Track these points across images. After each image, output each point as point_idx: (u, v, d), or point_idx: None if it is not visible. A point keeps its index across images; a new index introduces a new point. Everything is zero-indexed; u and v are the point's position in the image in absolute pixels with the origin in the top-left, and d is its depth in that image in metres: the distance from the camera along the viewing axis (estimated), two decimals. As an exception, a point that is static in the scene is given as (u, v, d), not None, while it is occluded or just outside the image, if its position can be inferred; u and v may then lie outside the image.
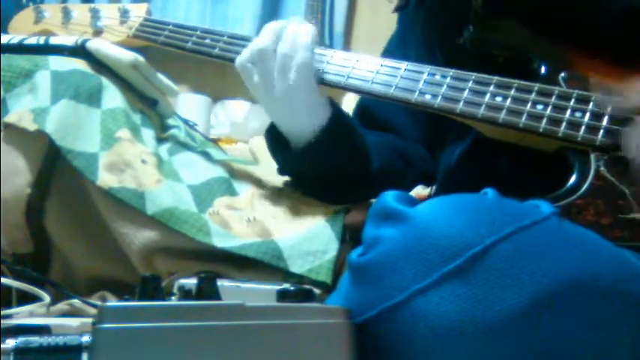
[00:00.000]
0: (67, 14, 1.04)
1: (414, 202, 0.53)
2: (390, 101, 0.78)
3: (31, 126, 0.81)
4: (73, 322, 0.62)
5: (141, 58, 0.92)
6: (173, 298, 0.50)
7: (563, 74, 0.74)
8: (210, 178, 0.88)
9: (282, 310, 0.46)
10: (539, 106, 0.71)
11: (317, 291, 0.58)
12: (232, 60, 0.85)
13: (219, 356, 0.42)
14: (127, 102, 0.90)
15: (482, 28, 0.79)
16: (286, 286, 0.50)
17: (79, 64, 0.89)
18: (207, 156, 0.94)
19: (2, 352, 0.41)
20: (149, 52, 0.97)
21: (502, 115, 0.71)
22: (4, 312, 0.64)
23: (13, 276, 0.73)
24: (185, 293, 0.47)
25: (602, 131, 0.68)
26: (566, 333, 0.46)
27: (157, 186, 0.82)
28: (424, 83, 0.77)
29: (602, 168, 0.66)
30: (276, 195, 0.89)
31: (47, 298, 0.69)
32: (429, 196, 0.93)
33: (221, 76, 2.07)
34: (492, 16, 0.79)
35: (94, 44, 0.91)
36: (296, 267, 0.78)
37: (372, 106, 0.97)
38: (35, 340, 0.42)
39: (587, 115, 0.69)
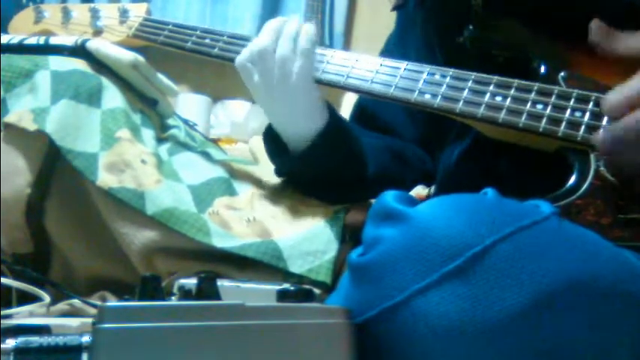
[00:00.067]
0: (66, 14, 1.04)
1: (414, 202, 0.53)
2: (390, 101, 0.78)
3: (31, 126, 0.81)
4: (73, 322, 0.62)
5: (141, 58, 0.92)
6: (173, 298, 0.50)
7: (562, 74, 0.74)
8: (210, 178, 0.88)
9: (282, 310, 0.46)
10: (539, 106, 0.71)
11: (317, 291, 0.58)
12: (232, 60, 0.85)
13: (219, 356, 0.41)
14: (127, 102, 0.90)
15: (482, 27, 0.79)
16: (286, 286, 0.50)
17: (79, 64, 0.89)
18: (207, 156, 0.94)
19: (2, 352, 0.41)
20: (149, 52, 0.97)
21: (502, 115, 0.71)
22: (4, 312, 0.64)
23: (13, 276, 0.73)
24: (185, 293, 0.47)
25: (602, 131, 0.67)
26: (566, 333, 0.46)
27: (156, 186, 0.82)
28: (424, 83, 0.77)
29: (601, 168, 0.66)
30: (276, 195, 0.89)
31: (47, 298, 0.69)
32: (429, 196, 0.93)
33: (221, 76, 2.07)
34: (492, 15, 0.79)
35: (94, 44, 0.91)
36: (296, 267, 0.78)
37: (371, 105, 0.97)
38: (35, 340, 0.42)
39: (587, 114, 0.69)
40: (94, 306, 0.70)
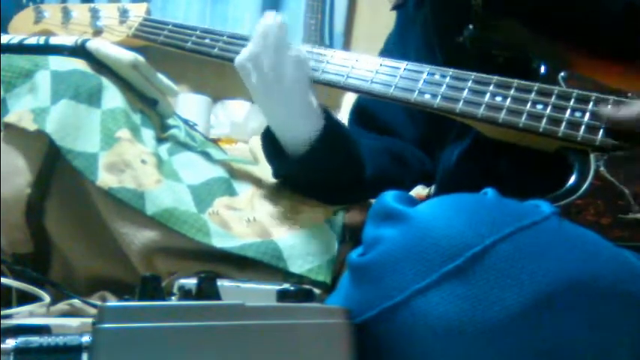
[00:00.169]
0: (66, 14, 1.04)
1: (414, 202, 0.53)
2: (390, 101, 0.78)
3: (31, 126, 0.81)
4: (73, 322, 0.62)
5: (141, 58, 0.92)
6: (173, 298, 0.50)
7: (562, 74, 0.74)
8: (210, 178, 0.88)
9: (282, 310, 0.46)
10: (539, 106, 0.71)
11: (317, 291, 0.58)
12: (232, 60, 0.85)
13: (219, 356, 0.41)
14: (127, 102, 0.90)
15: (483, 27, 0.78)
16: (286, 286, 0.50)
17: (79, 64, 0.89)
18: (207, 156, 0.94)
19: (2, 352, 0.41)
20: (149, 52, 0.97)
21: (502, 115, 0.71)
22: (4, 312, 0.64)
23: (13, 276, 0.73)
24: (185, 293, 0.47)
25: (601, 131, 0.67)
26: (566, 333, 0.46)
27: (156, 186, 0.82)
28: (424, 83, 0.77)
29: (601, 168, 0.66)
30: (276, 195, 0.89)
31: (47, 298, 0.69)
32: (429, 196, 0.93)
33: (221, 76, 2.07)
34: (492, 15, 0.79)
35: (94, 44, 0.91)
36: (296, 267, 0.78)
37: (371, 105, 0.97)
38: (35, 340, 0.42)
39: (587, 114, 0.69)
40: (94, 306, 0.70)
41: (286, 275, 0.78)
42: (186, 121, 1.06)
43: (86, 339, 0.42)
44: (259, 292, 0.58)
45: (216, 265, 0.78)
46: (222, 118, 2.21)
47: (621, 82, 0.71)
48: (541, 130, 0.69)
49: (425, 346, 0.47)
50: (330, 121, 0.83)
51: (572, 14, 0.75)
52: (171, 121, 1.01)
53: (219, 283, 0.48)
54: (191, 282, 0.48)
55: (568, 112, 0.70)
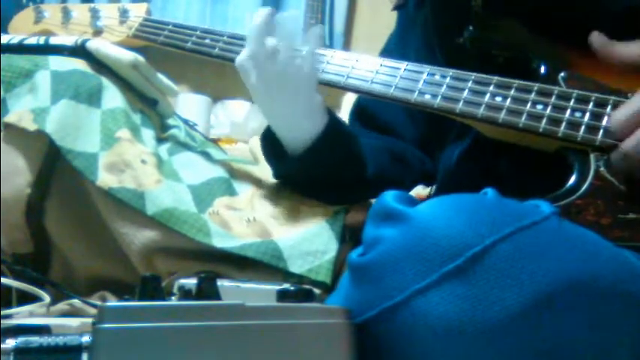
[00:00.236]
0: (66, 14, 1.04)
1: (414, 202, 0.53)
2: (390, 101, 0.78)
3: (31, 126, 0.81)
4: (73, 322, 0.61)
5: (141, 58, 0.92)
6: (173, 298, 0.50)
7: (562, 74, 0.74)
8: (210, 178, 0.88)
9: (282, 310, 0.46)
10: (539, 106, 0.71)
11: (317, 291, 0.58)
12: (232, 60, 0.85)
13: (219, 356, 0.41)
14: (127, 102, 0.90)
15: (483, 27, 0.79)
16: (286, 286, 0.50)
17: (79, 64, 0.89)
18: (207, 156, 0.94)
19: (2, 352, 0.41)
20: (149, 52, 0.97)
21: (502, 115, 0.71)
22: (4, 312, 0.64)
23: (13, 276, 0.73)
24: (185, 293, 0.47)
25: (601, 131, 0.68)
26: (566, 333, 0.46)
27: (156, 186, 0.82)
28: (424, 83, 0.77)
29: (601, 168, 0.66)
30: (276, 195, 0.89)
31: (47, 298, 0.69)
32: (429, 196, 0.93)
33: (221, 76, 2.07)
34: (492, 15, 0.79)
35: (94, 44, 0.91)
36: (296, 267, 0.78)
37: (371, 105, 0.97)
38: (35, 340, 0.42)
39: (587, 115, 0.69)
40: (94, 306, 0.70)
41: (286, 275, 0.78)
42: (186, 121, 1.06)
43: (86, 339, 0.42)
44: (259, 292, 0.58)
45: (216, 265, 0.78)
46: (222, 118, 2.21)
47: (621, 82, 0.71)
48: (541, 130, 0.69)
49: (425, 346, 0.47)
50: (332, 119, 0.83)
51: (572, 14, 0.75)
52: (171, 121, 1.01)
53: (219, 283, 0.47)
54: (191, 282, 0.48)
55: (568, 112, 0.70)
